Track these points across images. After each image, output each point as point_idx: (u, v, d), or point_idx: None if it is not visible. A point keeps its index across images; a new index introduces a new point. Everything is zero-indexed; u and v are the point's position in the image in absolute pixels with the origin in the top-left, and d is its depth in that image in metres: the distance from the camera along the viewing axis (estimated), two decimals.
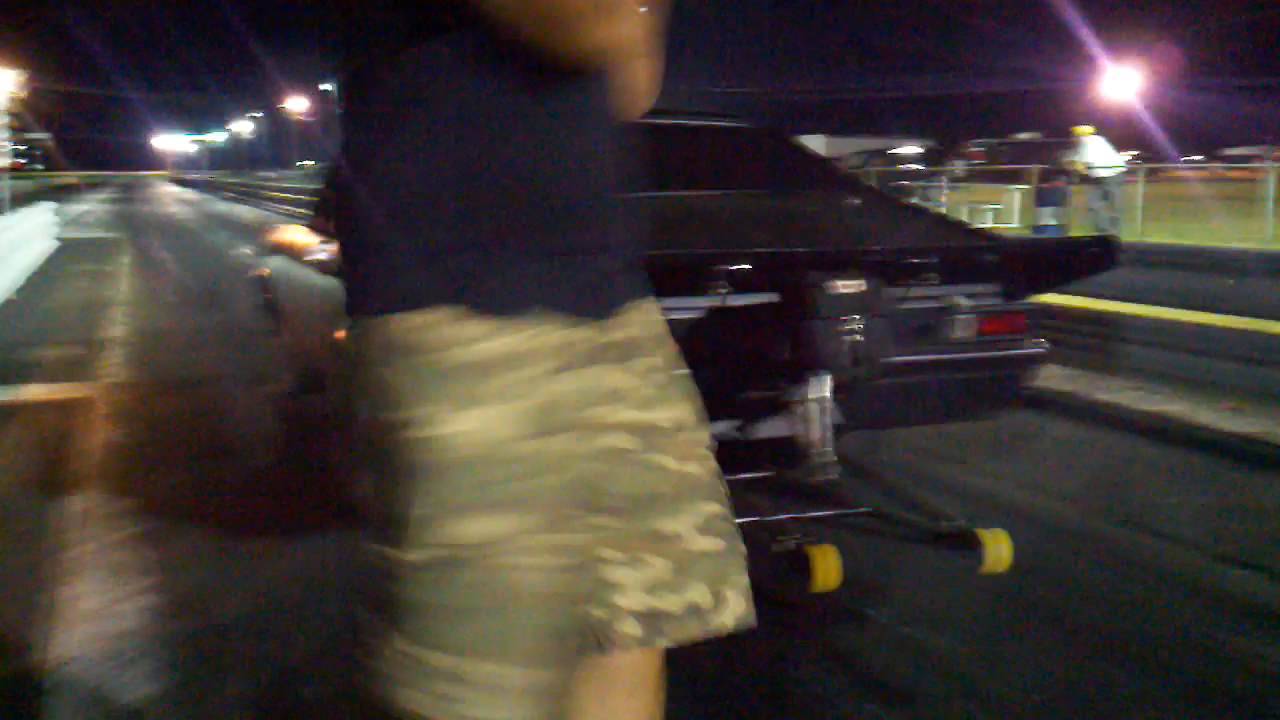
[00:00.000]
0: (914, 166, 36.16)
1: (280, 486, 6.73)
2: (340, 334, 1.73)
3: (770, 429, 4.51)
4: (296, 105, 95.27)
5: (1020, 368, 5.11)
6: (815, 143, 55.79)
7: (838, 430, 4.21)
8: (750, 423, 4.56)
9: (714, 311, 4.20)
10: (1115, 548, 5.56)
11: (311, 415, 8.40)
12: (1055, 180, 22.05)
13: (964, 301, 4.73)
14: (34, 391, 9.31)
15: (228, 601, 4.93)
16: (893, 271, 4.36)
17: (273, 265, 8.47)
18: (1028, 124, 39.66)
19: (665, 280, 2.18)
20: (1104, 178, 20.79)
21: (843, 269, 4.08)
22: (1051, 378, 8.54)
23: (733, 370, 4.36)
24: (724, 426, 4.45)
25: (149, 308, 15.16)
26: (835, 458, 4.14)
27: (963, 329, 4.79)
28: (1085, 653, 4.38)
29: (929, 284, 4.49)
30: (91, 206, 54.17)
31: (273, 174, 73.96)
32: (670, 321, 1.96)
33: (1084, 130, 21.27)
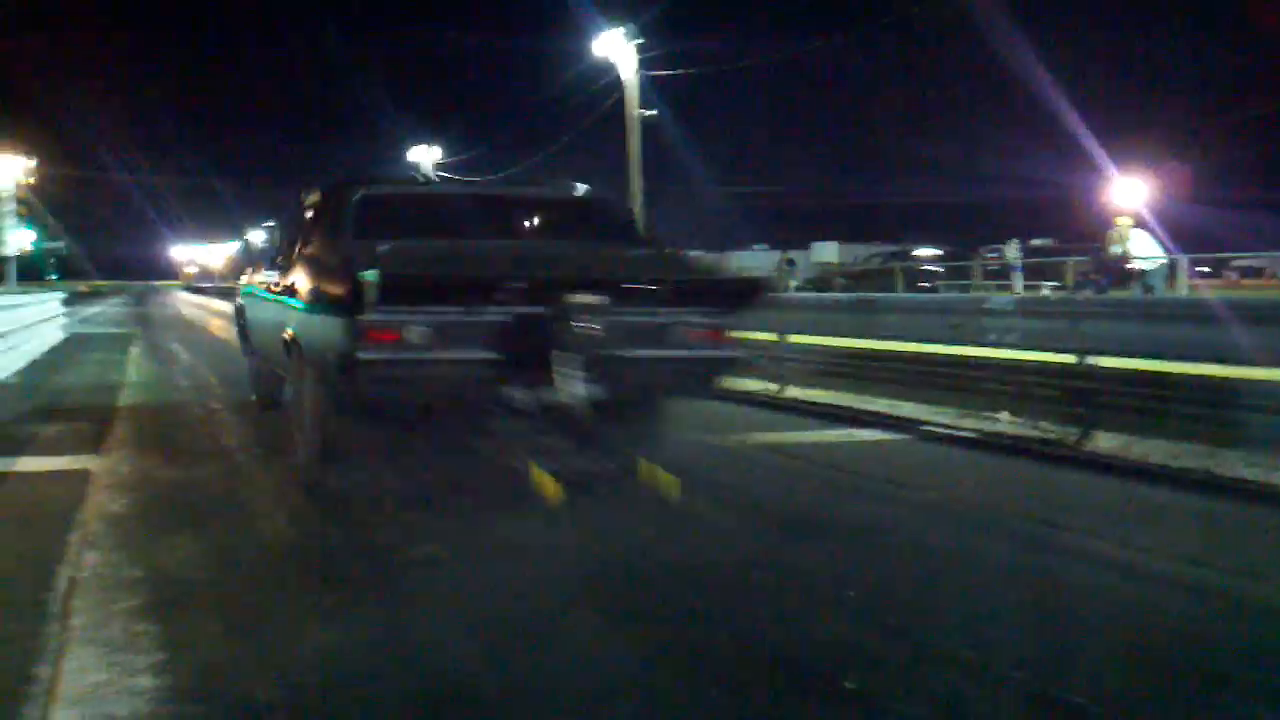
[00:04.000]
0: (935, 268, 35.91)
1: (293, 562, 6.13)
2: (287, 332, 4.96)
3: (549, 389, 6.61)
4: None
5: (717, 364, 7.58)
6: (828, 250, 55.59)
7: (597, 399, 6.53)
8: (537, 384, 6.65)
9: (515, 316, 6.64)
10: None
11: (324, 488, 7.83)
12: (1094, 275, 21.50)
13: (678, 318, 7.16)
14: (31, 463, 8.68)
15: (241, 683, 4.25)
16: (622, 294, 6.69)
17: (245, 299, 11.87)
18: (1039, 230, 39.51)
19: (478, 295, 6.08)
20: (1146, 270, 20.14)
21: (585, 290, 6.49)
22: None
23: (525, 351, 6.59)
24: (521, 384, 6.73)
25: (155, 390, 14.57)
26: (587, 407, 6.50)
27: (676, 334, 7.19)
28: None
29: (652, 304, 6.95)
30: (103, 308, 54.21)
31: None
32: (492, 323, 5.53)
33: (1125, 221, 20.64)
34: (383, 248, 6.93)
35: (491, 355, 6.71)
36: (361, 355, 6.54)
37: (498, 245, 8.17)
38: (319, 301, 7.46)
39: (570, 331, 6.38)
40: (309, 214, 9.17)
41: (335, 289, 7.01)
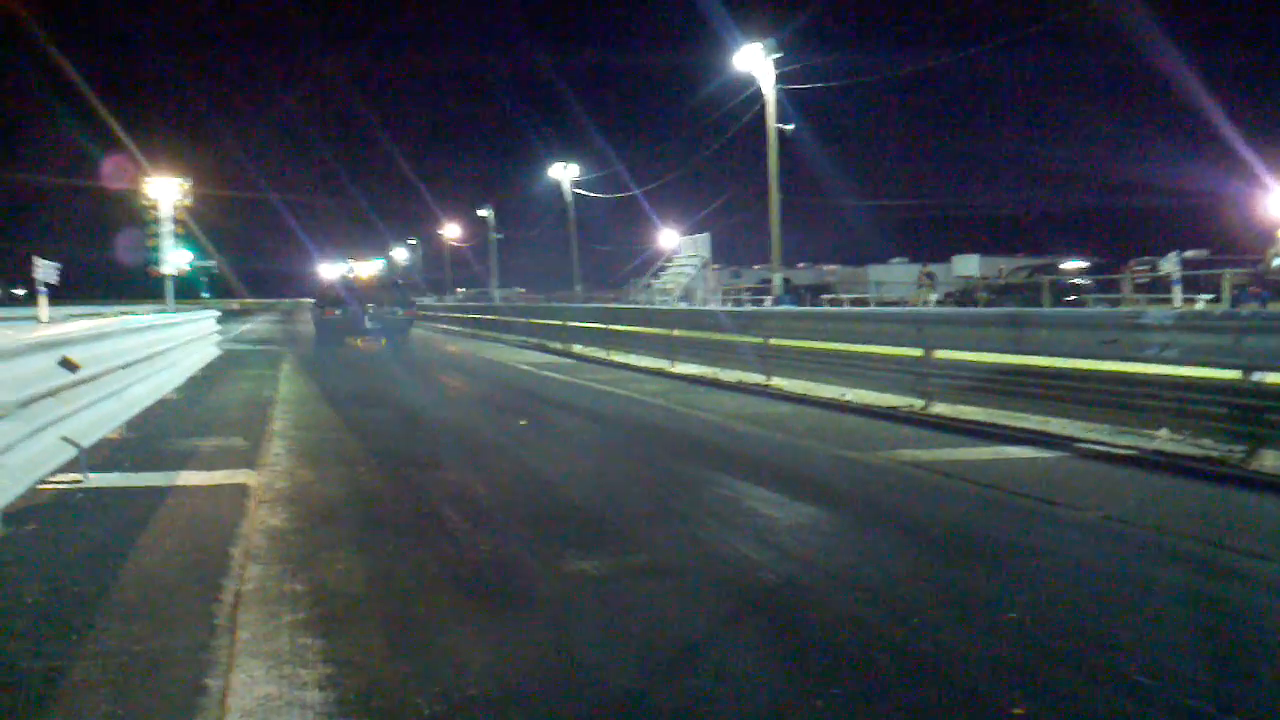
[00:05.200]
0: (1083, 281, 34.95)
1: (449, 576, 6.14)
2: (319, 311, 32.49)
3: (361, 326, 31.30)
4: (451, 232, 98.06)
5: (412, 322, 33.45)
6: (970, 263, 54.57)
7: (377, 330, 30.97)
8: (359, 324, 31.07)
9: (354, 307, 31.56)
10: None
11: (480, 501, 7.92)
12: (1254, 289, 20.70)
13: (399, 307, 31.99)
14: (193, 477, 8.94)
15: (407, 699, 4.27)
16: (383, 301, 32.06)
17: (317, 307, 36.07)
18: (1188, 241, 38.08)
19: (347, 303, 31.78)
20: None
21: (369, 297, 32.05)
22: None
23: (357, 315, 31.02)
24: (353, 324, 31.01)
25: (307, 405, 14.95)
26: (375, 332, 30.90)
27: (398, 313, 31.57)
28: None
29: (392, 304, 31.91)
30: (254, 325, 56.02)
31: (430, 298, 77.50)
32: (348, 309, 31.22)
33: None
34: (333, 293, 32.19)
35: (348, 317, 30.41)
36: (324, 316, 31.49)
37: (359, 291, 32.56)
38: (320, 305, 32.72)
39: (369, 310, 30.37)
40: (332, 280, 37.30)
41: (327, 302, 31.97)
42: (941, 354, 13.37)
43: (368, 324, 30.05)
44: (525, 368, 23.03)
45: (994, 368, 12.61)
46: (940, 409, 12.80)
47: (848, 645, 4.90)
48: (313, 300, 38.26)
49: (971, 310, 27.33)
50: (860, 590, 5.78)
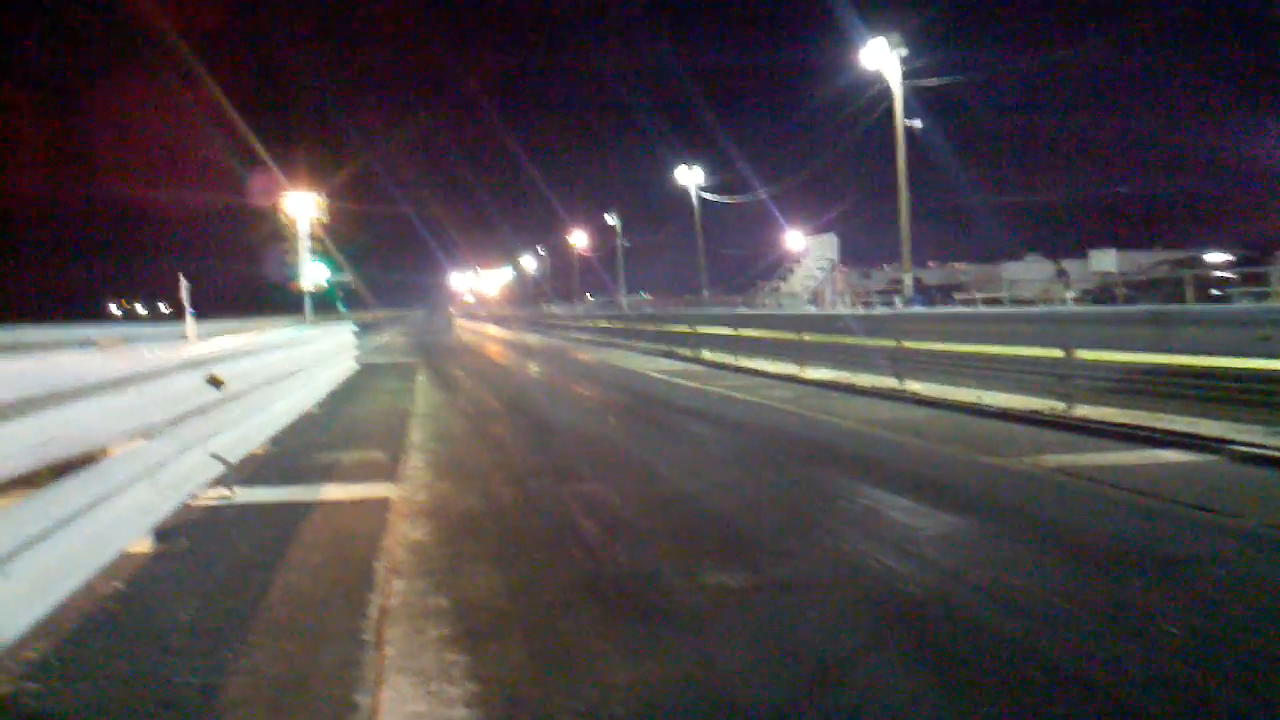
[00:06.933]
0: (1228, 275, 33.67)
1: (589, 590, 6.11)
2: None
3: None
4: (578, 240, 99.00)
5: (450, 323, 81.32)
6: (1107, 258, 53.06)
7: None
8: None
9: None
10: None
11: (617, 512, 7.92)
12: None
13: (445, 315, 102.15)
14: (336, 491, 9.11)
15: (555, 717, 4.24)
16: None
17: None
18: None
19: None
20: None
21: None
22: None
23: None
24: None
25: (443, 418, 15.16)
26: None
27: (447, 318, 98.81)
28: None
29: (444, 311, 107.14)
30: (388, 337, 57.18)
31: (558, 307, 79.20)
32: None
33: None
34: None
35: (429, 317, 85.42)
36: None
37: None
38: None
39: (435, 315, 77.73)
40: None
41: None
42: (1083, 354, 12.99)
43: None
44: (655, 375, 23.05)
45: (1139, 367, 12.21)
46: (1083, 411, 12.44)
47: (998, 662, 4.75)
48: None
49: (1114, 309, 26.56)
50: (1008, 604, 5.61)
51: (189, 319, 20.94)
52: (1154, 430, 11.02)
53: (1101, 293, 41.51)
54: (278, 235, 39.17)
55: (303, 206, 38.64)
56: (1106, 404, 12.37)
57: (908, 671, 4.71)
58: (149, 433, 6.86)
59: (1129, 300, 34.36)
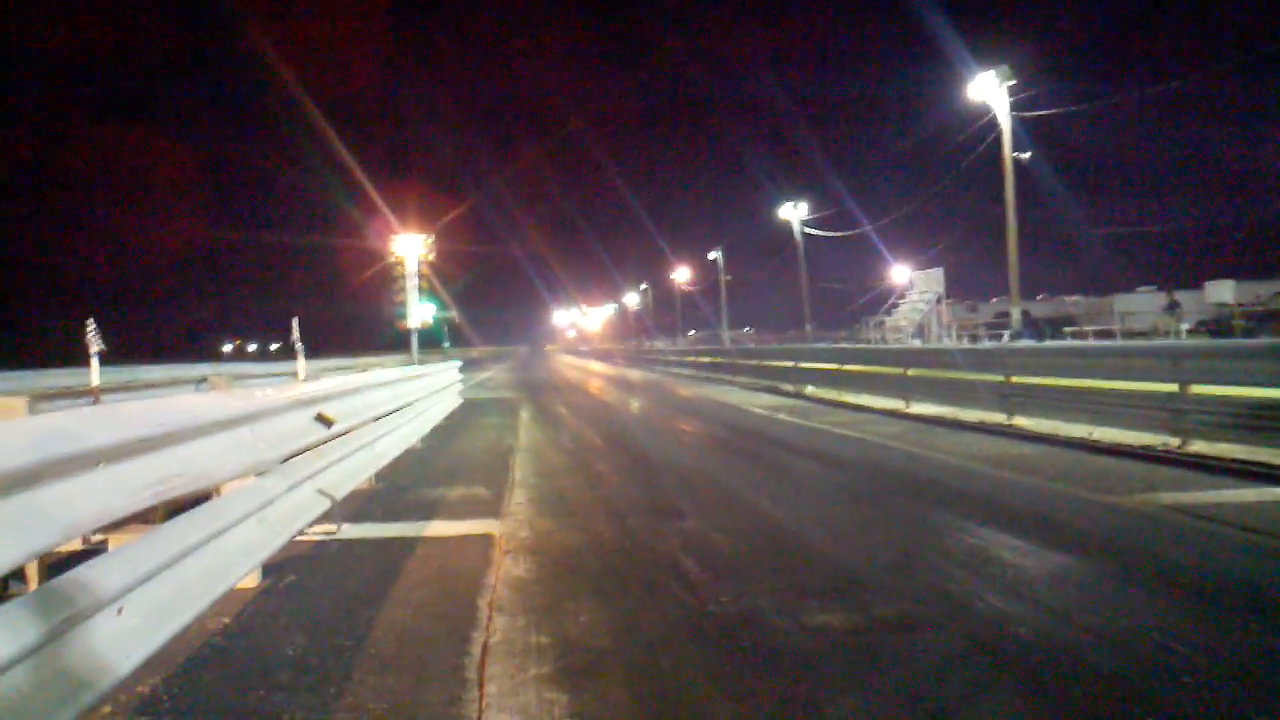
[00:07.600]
0: None
1: (689, 628, 6.07)
2: None
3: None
4: (680, 276, 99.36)
5: (542, 352, 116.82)
6: (1224, 289, 51.67)
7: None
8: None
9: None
10: None
11: (719, 549, 7.86)
12: None
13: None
14: (441, 527, 9.21)
15: None
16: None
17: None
18: None
19: None
20: None
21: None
22: None
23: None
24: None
25: (545, 455, 15.24)
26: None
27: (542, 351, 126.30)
28: None
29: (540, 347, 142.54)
30: (492, 373, 57.88)
31: (660, 342, 79.56)
32: None
33: None
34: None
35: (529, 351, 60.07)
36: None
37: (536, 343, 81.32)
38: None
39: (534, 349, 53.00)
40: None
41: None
42: (1198, 389, 12.63)
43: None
44: (758, 411, 22.93)
45: (1259, 402, 11.82)
46: (1198, 446, 12.09)
47: (1112, 709, 4.61)
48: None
49: (1232, 341, 25.84)
50: (1122, 647, 5.45)
51: (300, 357, 21.41)
52: (1274, 467, 10.67)
53: (1217, 325, 40.40)
54: (387, 275, 40.01)
55: (411, 247, 39.41)
56: (1223, 439, 12.01)
57: (1019, 718, 4.59)
58: (260, 470, 6.99)
59: (1246, 332, 33.36)
